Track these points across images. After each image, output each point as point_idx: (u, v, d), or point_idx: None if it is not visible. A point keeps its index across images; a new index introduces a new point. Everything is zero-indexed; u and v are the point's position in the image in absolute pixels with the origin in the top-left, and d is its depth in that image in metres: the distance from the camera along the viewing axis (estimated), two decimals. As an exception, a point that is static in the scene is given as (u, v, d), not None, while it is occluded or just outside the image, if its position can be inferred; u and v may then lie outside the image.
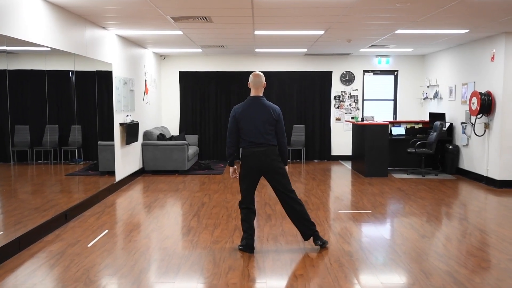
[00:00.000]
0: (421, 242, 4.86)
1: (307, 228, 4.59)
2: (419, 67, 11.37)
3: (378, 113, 11.37)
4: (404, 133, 9.95)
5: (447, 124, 9.50)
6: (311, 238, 4.63)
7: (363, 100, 11.64)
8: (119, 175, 7.84)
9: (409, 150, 9.18)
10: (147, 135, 9.47)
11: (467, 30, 7.39)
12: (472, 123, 8.49)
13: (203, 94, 11.43)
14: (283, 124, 4.56)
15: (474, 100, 8.10)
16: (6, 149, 4.51)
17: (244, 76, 11.10)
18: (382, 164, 8.96)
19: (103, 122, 7.12)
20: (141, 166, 9.30)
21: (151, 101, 10.27)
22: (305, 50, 10.07)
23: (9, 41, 4.48)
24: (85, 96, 6.46)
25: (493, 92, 7.93)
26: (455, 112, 9.38)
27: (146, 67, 9.87)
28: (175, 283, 3.78)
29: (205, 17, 6.30)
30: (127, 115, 8.22)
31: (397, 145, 9.77)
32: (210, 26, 6.99)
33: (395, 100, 11.66)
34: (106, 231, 5.28)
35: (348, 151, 11.08)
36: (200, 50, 10.00)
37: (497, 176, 7.86)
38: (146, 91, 9.78)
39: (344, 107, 11.55)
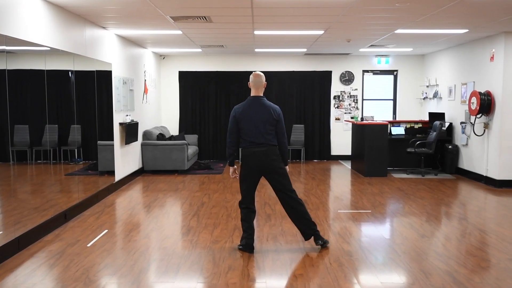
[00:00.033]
0: (421, 242, 4.86)
1: (308, 228, 4.59)
2: (418, 67, 11.38)
3: (378, 113, 11.37)
4: (403, 133, 9.95)
5: (447, 124, 9.50)
6: (311, 237, 4.63)
7: (363, 100, 11.64)
8: (119, 175, 7.84)
9: (408, 150, 9.18)
10: (146, 135, 9.47)
11: (467, 30, 7.39)
12: (471, 123, 8.50)
13: (202, 94, 11.43)
14: (283, 124, 4.56)
15: (474, 100, 8.11)
16: (5, 148, 4.50)
17: (243, 76, 11.12)
18: (381, 163, 8.97)
19: (102, 121, 7.12)
20: (140, 165, 9.29)
21: (150, 100, 10.27)
22: (304, 50, 10.07)
23: (9, 40, 4.47)
24: (85, 96, 6.45)
25: (492, 92, 7.94)
26: (454, 112, 9.38)
27: (146, 66, 9.86)
28: (174, 283, 3.78)
29: (204, 17, 6.30)
30: (127, 115, 8.21)
31: (397, 145, 9.77)
32: (209, 26, 6.98)
33: (394, 100, 11.66)
34: (106, 230, 5.28)
35: (347, 151, 11.08)
36: (199, 50, 10.00)
37: (497, 176, 7.86)
38: (145, 90, 9.78)
39: (343, 106, 11.56)
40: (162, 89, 11.50)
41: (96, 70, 6.85)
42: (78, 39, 6.20)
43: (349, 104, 11.55)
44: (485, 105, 7.91)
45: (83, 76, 6.39)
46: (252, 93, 4.58)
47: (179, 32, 7.55)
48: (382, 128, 8.97)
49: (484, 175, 8.21)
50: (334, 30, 7.41)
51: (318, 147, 11.55)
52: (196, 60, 11.42)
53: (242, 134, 4.49)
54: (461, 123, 9.00)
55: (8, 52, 4.50)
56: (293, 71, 11.39)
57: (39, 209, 5.12)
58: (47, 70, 5.23)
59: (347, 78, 11.50)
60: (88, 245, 4.75)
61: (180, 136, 10.27)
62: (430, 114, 10.05)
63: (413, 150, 9.06)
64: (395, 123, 10.12)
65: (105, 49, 7.24)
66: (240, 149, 4.61)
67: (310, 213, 4.72)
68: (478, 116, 8.20)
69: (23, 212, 4.80)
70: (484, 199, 7.11)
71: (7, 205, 4.64)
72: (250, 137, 4.44)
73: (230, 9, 5.79)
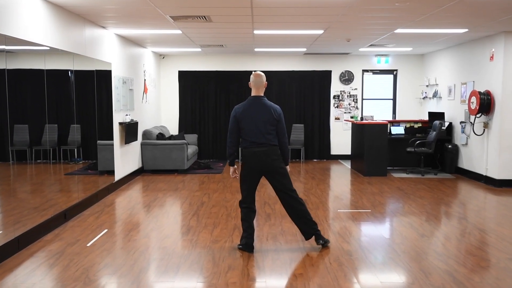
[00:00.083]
0: (421, 241, 4.86)
1: (309, 228, 4.59)
2: (418, 66, 11.38)
3: (377, 112, 11.38)
4: (403, 132, 9.95)
5: (446, 124, 9.51)
6: (312, 237, 4.63)
7: (363, 99, 11.64)
8: (118, 175, 7.83)
9: (408, 149, 9.18)
10: (146, 134, 9.47)
11: (467, 30, 7.39)
12: (471, 123, 8.50)
13: (202, 94, 11.43)
14: (284, 124, 4.56)
15: (473, 99, 8.11)
16: (5, 148, 4.50)
17: (243, 75, 11.13)
18: (381, 163, 8.97)
19: (102, 121, 7.11)
20: (140, 165, 9.29)
21: (150, 100, 10.27)
22: (304, 49, 10.07)
23: (8, 40, 4.47)
24: (84, 96, 6.45)
25: (492, 92, 7.94)
26: (454, 111, 9.38)
27: (145, 66, 9.86)
28: (174, 283, 3.78)
29: (204, 17, 6.30)
30: (126, 115, 8.21)
31: (397, 144, 9.77)
32: (209, 26, 6.98)
33: (394, 99, 11.66)
34: (106, 230, 5.28)
35: (347, 151, 11.09)
36: (199, 49, 10.00)
37: (496, 175, 7.86)
38: (145, 90, 9.78)
39: (343, 106, 11.56)
40: (162, 89, 11.50)
41: (96, 70, 6.85)
42: (78, 38, 6.19)
43: (349, 104, 11.56)
44: (485, 104, 7.92)
45: (83, 76, 6.39)
46: (253, 93, 4.58)
47: (179, 31, 7.55)
48: (381, 128, 8.98)
49: (484, 174, 8.21)
50: (334, 30, 7.41)
51: (318, 146, 11.55)
52: (195, 60, 11.42)
53: (242, 134, 4.49)
54: (461, 122, 9.00)
55: (8, 51, 4.50)
56: (293, 71, 11.39)
57: (39, 209, 5.12)
58: (46, 70, 5.23)
59: (346, 78, 11.50)
60: (88, 244, 4.75)
61: (180, 136, 10.27)
62: (430, 113, 10.05)
63: (413, 149, 9.07)
64: (395, 122, 10.13)
65: (104, 48, 7.24)
66: (240, 149, 4.60)
67: (310, 212, 4.71)
68: (478, 115, 8.20)
69: (23, 211, 4.80)
70: (484, 198, 7.11)
71: (7, 205, 4.64)
72: (250, 137, 4.43)
73: (230, 8, 5.79)
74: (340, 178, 8.99)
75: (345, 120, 11.41)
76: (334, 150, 11.62)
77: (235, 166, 4.67)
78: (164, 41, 8.81)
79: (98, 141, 6.95)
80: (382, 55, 11.31)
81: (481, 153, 8.35)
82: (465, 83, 8.85)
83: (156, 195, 7.28)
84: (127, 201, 6.84)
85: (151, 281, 3.80)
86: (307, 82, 11.41)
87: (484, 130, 8.19)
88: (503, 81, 7.69)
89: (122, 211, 6.26)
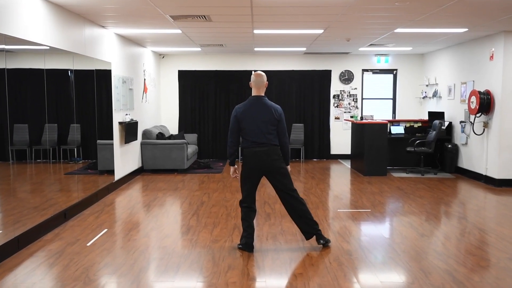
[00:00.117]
0: (420, 241, 4.86)
1: (310, 228, 4.59)
2: (418, 66, 11.38)
3: (377, 112, 11.38)
4: (403, 132, 9.95)
5: (446, 123, 9.51)
6: (312, 237, 4.63)
7: (362, 99, 11.64)
8: (118, 174, 7.83)
9: (408, 149, 9.18)
10: (146, 134, 9.47)
11: (466, 29, 7.39)
12: (471, 122, 8.50)
13: (202, 93, 11.43)
14: (284, 124, 4.55)
15: (473, 99, 8.11)
16: (5, 148, 4.50)
17: (243, 75, 11.13)
18: (381, 163, 8.97)
19: (102, 121, 7.11)
20: (140, 165, 9.29)
21: (150, 100, 10.26)
22: (304, 49, 10.06)
23: (8, 40, 4.47)
24: (84, 95, 6.45)
25: (492, 91, 7.94)
26: (454, 111, 9.38)
27: (145, 66, 9.86)
28: (174, 282, 3.78)
29: (204, 16, 6.29)
30: (126, 114, 8.21)
31: (396, 144, 9.77)
32: (209, 25, 6.98)
33: (394, 99, 11.66)
34: (105, 230, 5.27)
35: (347, 150, 11.09)
36: (199, 49, 10.00)
37: (496, 175, 7.86)
38: (145, 90, 9.77)
39: (343, 106, 11.56)
40: (162, 88, 11.50)
41: (96, 69, 6.85)
42: (78, 38, 6.19)
43: (349, 103, 11.55)
44: (485, 104, 7.92)
45: (83, 75, 6.39)
46: (254, 93, 4.57)
47: (179, 31, 7.55)
48: (381, 127, 8.98)
49: (484, 174, 8.21)
50: (334, 29, 7.40)
51: (318, 146, 11.55)
52: (195, 59, 11.42)
53: (243, 134, 4.48)
54: (461, 122, 9.00)
55: (8, 51, 4.49)
56: (293, 70, 11.39)
57: (39, 208, 5.12)
58: (46, 69, 5.23)
59: (346, 77, 11.50)
60: (88, 244, 4.75)
61: (180, 135, 10.27)
62: (430, 113, 10.05)
63: (413, 149, 9.07)
64: (395, 122, 10.13)
65: (104, 48, 7.24)
66: (240, 148, 4.60)
67: (310, 212, 4.71)
68: (478, 115, 8.20)
69: (23, 211, 4.79)
70: (484, 198, 7.11)
71: (7, 204, 4.64)
72: (251, 137, 4.43)
73: (230, 8, 5.79)
74: (340, 177, 8.99)
75: (345, 119, 11.41)
76: (334, 150, 11.62)
77: (236, 166, 4.67)
78: (164, 40, 8.81)
79: (98, 141, 6.95)
80: (382, 54, 11.31)
81: (481, 152, 8.35)
82: (465, 83, 8.85)
83: (156, 194, 7.28)
84: (127, 201, 6.84)
85: (151, 281, 3.80)
86: (307, 81, 11.41)
87: (484, 129, 8.19)
88: (503, 80, 7.70)
89: (122, 211, 6.26)
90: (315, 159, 11.54)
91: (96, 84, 6.81)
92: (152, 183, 8.25)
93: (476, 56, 8.49)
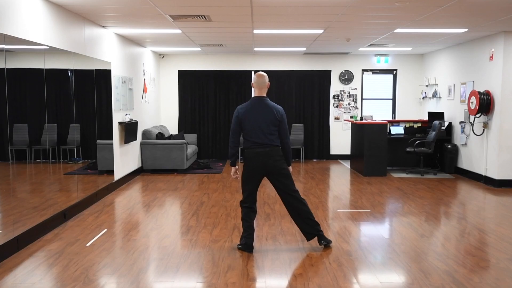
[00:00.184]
0: (420, 242, 4.86)
1: (312, 228, 4.58)
2: (418, 66, 11.38)
3: (377, 112, 11.39)
4: (403, 132, 9.95)
5: (446, 124, 9.51)
6: (313, 238, 4.63)
7: (362, 99, 11.64)
8: (118, 174, 7.83)
9: (408, 149, 9.18)
10: (146, 134, 9.46)
11: (466, 29, 7.39)
12: (471, 123, 8.50)
13: (202, 93, 11.42)
14: (286, 125, 4.55)
15: (473, 99, 8.11)
16: (4, 147, 4.50)
17: (243, 75, 11.13)
18: (381, 163, 8.97)
19: (101, 121, 7.11)
20: (140, 165, 9.29)
21: (150, 100, 10.26)
22: (304, 49, 10.06)
23: (8, 39, 4.46)
24: (84, 95, 6.44)
25: (492, 92, 7.94)
26: (454, 111, 9.38)
27: (145, 65, 9.85)
28: (174, 282, 3.77)
29: (204, 16, 6.29)
30: (126, 114, 8.21)
31: (396, 144, 9.77)
32: (209, 25, 6.98)
33: (394, 99, 11.66)
34: (105, 230, 5.27)
35: (347, 150, 11.09)
36: (199, 49, 9.99)
37: (496, 176, 7.87)
38: (145, 90, 9.77)
39: (343, 106, 11.56)
40: (162, 88, 11.50)
41: (95, 69, 6.84)
42: (77, 38, 6.19)
43: (349, 104, 11.56)
44: (484, 104, 7.92)
45: (82, 75, 6.38)
46: (255, 94, 4.58)
47: (179, 31, 7.54)
48: (381, 128, 8.98)
49: (483, 174, 8.21)
50: (334, 30, 7.40)
51: (318, 146, 11.55)
52: (195, 59, 11.42)
53: (245, 134, 4.49)
54: (461, 122, 9.01)
55: (7, 51, 4.49)
56: (293, 70, 11.39)
57: (38, 208, 5.11)
58: (46, 69, 5.22)
59: (346, 78, 11.50)
60: (87, 244, 4.74)
61: (179, 135, 10.26)
62: (430, 113, 10.05)
63: (412, 149, 9.07)
64: (395, 122, 10.13)
65: (104, 48, 7.23)
66: (241, 149, 4.60)
67: (310, 212, 4.71)
68: (477, 115, 8.20)
69: (22, 211, 4.79)
70: (483, 198, 7.11)
71: (6, 204, 4.64)
72: (253, 137, 4.43)
73: (230, 8, 5.79)
74: (340, 178, 8.99)
75: (344, 120, 11.41)
76: (334, 150, 11.62)
77: (237, 167, 4.67)
78: (163, 40, 8.80)
79: (98, 141, 6.95)
80: (382, 54, 11.31)
81: (480, 153, 8.35)
82: (465, 83, 8.85)
83: (155, 195, 7.28)
84: (127, 201, 6.84)
85: (150, 281, 3.80)
86: (307, 81, 11.41)
87: (483, 130, 8.20)
88: (503, 81, 7.70)
89: (121, 211, 6.25)
90: (314, 160, 11.54)
91: (96, 84, 6.81)
92: (151, 183, 8.25)
93: (476, 57, 8.49)
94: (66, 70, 5.89)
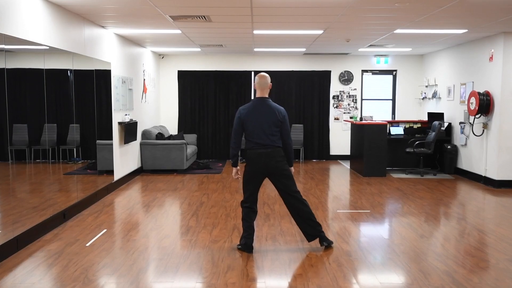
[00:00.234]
0: (420, 242, 4.86)
1: (313, 229, 4.58)
2: (417, 66, 11.39)
3: (377, 112, 11.39)
4: (402, 132, 9.95)
5: (446, 124, 9.51)
6: (314, 239, 4.62)
7: (362, 99, 11.65)
8: (118, 174, 7.83)
9: (407, 150, 9.19)
10: (145, 134, 9.46)
11: (466, 30, 7.40)
12: (470, 123, 8.50)
13: (201, 93, 11.42)
14: (288, 126, 4.56)
15: (473, 100, 8.11)
16: (4, 147, 4.50)
17: (242, 75, 11.13)
18: (380, 163, 8.97)
19: (101, 121, 7.11)
20: (139, 165, 9.29)
21: (149, 100, 10.26)
22: (303, 49, 10.06)
23: (8, 39, 4.46)
24: (84, 95, 6.44)
25: (491, 92, 7.94)
26: (453, 112, 9.39)
27: (145, 66, 9.85)
28: (173, 283, 3.77)
29: (204, 16, 6.29)
30: (126, 114, 8.21)
31: (396, 144, 9.78)
32: (209, 25, 6.98)
33: (393, 99, 11.67)
34: (105, 230, 5.27)
35: (346, 151, 11.09)
36: (198, 49, 9.99)
37: (496, 176, 7.87)
38: (144, 90, 9.77)
39: (342, 106, 11.56)
40: (161, 89, 11.50)
41: (95, 69, 6.84)
42: (77, 38, 6.19)
43: (348, 104, 11.56)
44: (484, 105, 7.92)
45: (82, 75, 6.38)
46: (257, 94, 4.59)
47: (178, 31, 7.55)
48: (381, 128, 8.98)
49: (483, 175, 8.22)
50: (333, 30, 7.41)
51: (317, 147, 11.56)
52: (195, 60, 11.42)
53: (247, 135, 4.49)
54: (460, 123, 9.01)
55: (7, 51, 4.49)
56: (292, 71, 11.39)
57: (38, 209, 5.11)
58: (46, 69, 5.22)
59: (346, 78, 11.50)
60: (87, 244, 4.74)
61: (179, 136, 10.26)
62: (429, 114, 10.05)
63: (412, 150, 9.07)
64: (394, 123, 10.13)
65: (104, 48, 7.23)
66: (243, 149, 4.60)
67: (310, 213, 4.71)
68: (477, 116, 8.21)
69: (22, 211, 4.79)
70: (483, 199, 7.12)
71: (6, 204, 4.63)
72: (255, 138, 4.44)
73: (230, 8, 5.79)
74: (339, 178, 8.99)
75: (344, 120, 11.41)
76: (334, 150, 11.62)
77: (238, 167, 4.67)
78: (163, 41, 8.80)
79: (97, 141, 6.95)
80: (382, 55, 11.32)
81: (480, 153, 8.36)
82: (465, 84, 8.85)
83: (155, 195, 7.28)
84: (126, 201, 6.84)
85: (150, 281, 3.80)
86: (307, 82, 11.41)
87: (483, 130, 8.20)
88: (503, 81, 7.70)
89: (121, 211, 6.25)
90: (314, 160, 11.54)
91: (95, 84, 6.81)
92: (151, 184, 8.24)
93: (476, 57, 8.49)
94: (66, 70, 5.89)
